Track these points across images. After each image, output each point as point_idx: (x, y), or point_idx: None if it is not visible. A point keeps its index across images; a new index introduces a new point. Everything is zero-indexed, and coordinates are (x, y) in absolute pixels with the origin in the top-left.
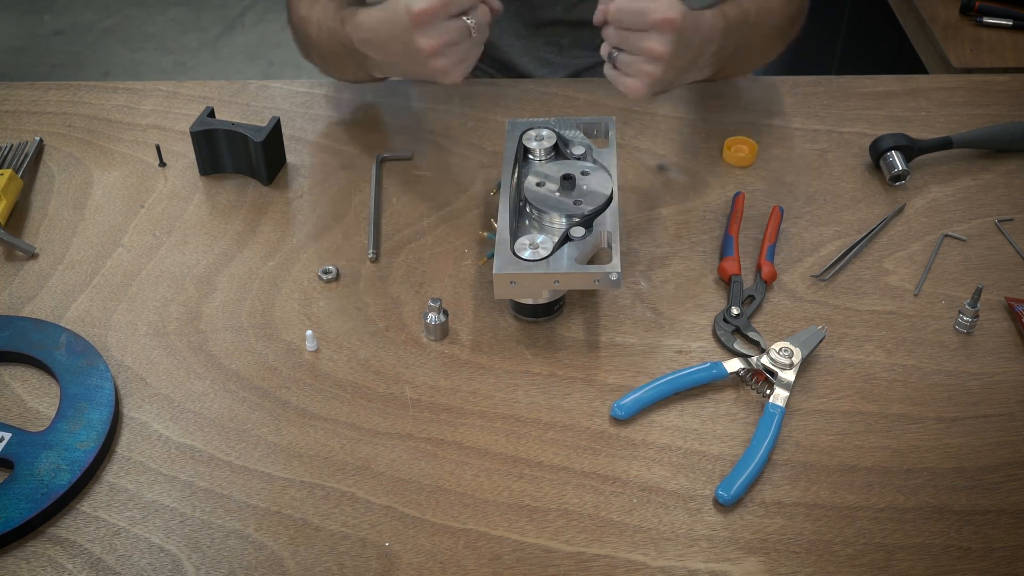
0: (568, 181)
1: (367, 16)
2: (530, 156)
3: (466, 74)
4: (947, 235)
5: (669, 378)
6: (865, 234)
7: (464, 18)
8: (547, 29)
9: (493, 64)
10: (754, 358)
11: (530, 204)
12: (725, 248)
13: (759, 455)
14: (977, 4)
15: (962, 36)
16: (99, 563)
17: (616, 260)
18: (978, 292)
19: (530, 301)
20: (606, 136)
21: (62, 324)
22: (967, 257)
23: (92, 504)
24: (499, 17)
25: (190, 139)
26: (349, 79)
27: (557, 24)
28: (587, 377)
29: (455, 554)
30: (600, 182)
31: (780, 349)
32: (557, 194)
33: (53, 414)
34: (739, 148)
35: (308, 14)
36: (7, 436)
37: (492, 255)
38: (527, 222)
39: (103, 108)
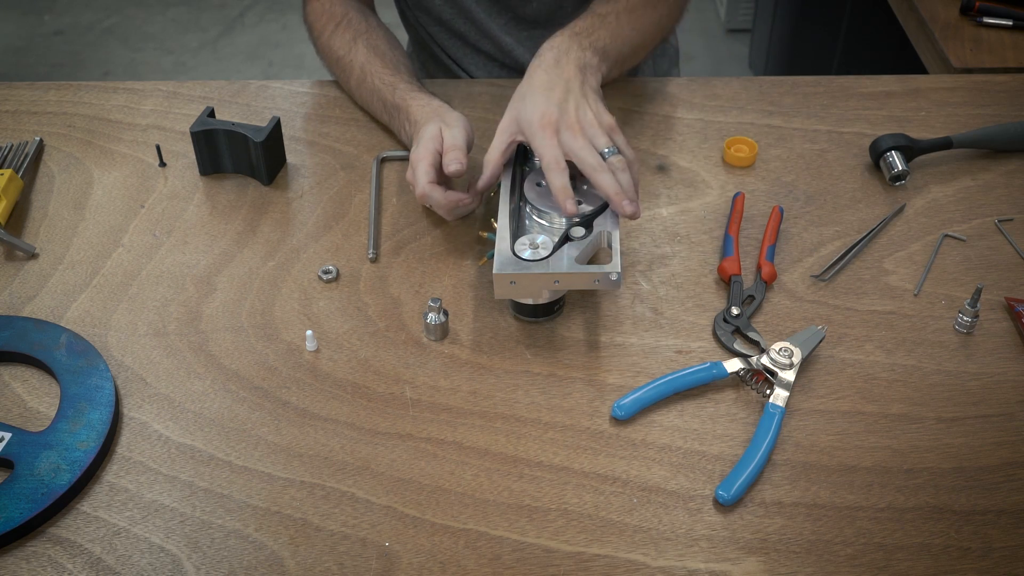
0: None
1: (415, 107)
2: (530, 156)
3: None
4: (947, 235)
5: (669, 378)
6: (865, 234)
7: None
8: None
9: (503, 68)
10: (754, 358)
11: (530, 204)
12: (725, 248)
13: (759, 455)
14: (977, 4)
15: (962, 36)
16: (99, 563)
17: (616, 260)
18: (978, 292)
19: (530, 301)
20: None
21: (62, 324)
22: (967, 257)
23: (92, 504)
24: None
25: (190, 139)
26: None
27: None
28: (587, 377)
29: (455, 554)
30: None
31: (780, 349)
32: None
33: (53, 414)
34: (739, 148)
35: (348, 57)
36: (7, 436)
37: (492, 255)
38: (527, 222)
39: (103, 108)
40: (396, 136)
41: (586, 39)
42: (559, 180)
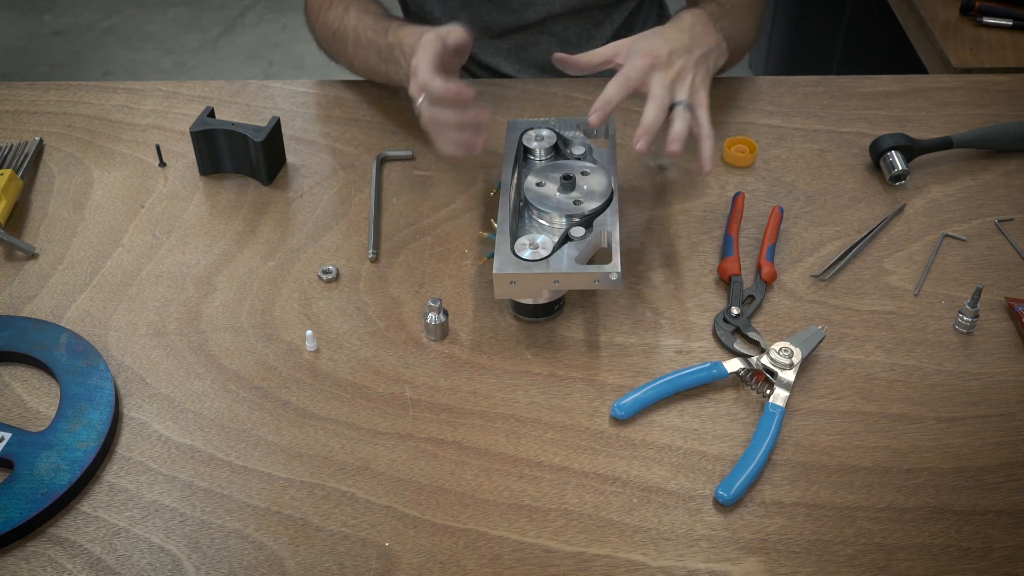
0: (568, 181)
1: (407, 35)
2: (530, 156)
3: (448, 146)
4: (947, 235)
5: (669, 378)
6: (865, 234)
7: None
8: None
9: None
10: (754, 358)
11: (530, 204)
12: (725, 248)
13: (759, 455)
14: (977, 4)
15: (962, 36)
16: (99, 563)
17: (616, 260)
18: (978, 292)
19: (530, 301)
20: (606, 136)
21: (62, 324)
22: (967, 257)
23: (92, 504)
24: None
25: (190, 139)
26: (379, 80)
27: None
28: (587, 377)
29: (455, 554)
30: (600, 182)
31: (780, 349)
32: (557, 194)
33: (53, 414)
34: (739, 148)
35: (342, 27)
36: (7, 436)
37: (492, 255)
38: (527, 222)
39: (103, 108)
40: (395, 80)
41: (717, 24)
42: (610, 91)
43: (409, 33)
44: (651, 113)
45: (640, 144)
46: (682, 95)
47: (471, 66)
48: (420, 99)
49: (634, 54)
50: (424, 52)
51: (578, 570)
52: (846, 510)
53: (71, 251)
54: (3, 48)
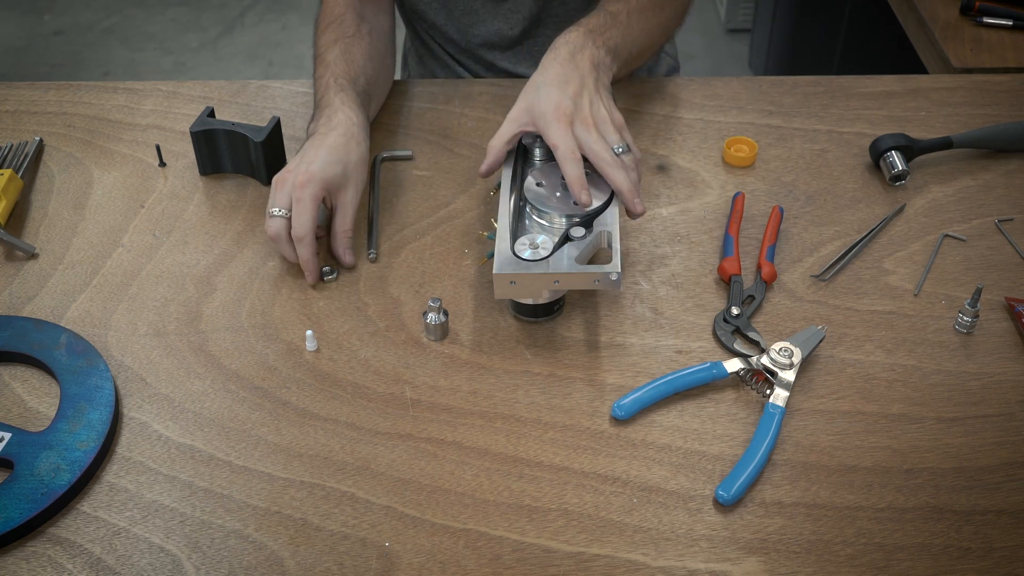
0: None
1: (314, 128)
2: (530, 156)
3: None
4: (947, 235)
5: (669, 378)
6: (865, 234)
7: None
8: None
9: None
10: (754, 358)
11: (530, 204)
12: (725, 248)
13: (759, 455)
14: (977, 4)
15: (962, 36)
16: (99, 563)
17: (616, 260)
18: (978, 292)
19: (530, 301)
20: None
21: (62, 324)
22: (967, 257)
23: (92, 504)
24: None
25: (190, 139)
26: None
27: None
28: (587, 377)
29: (455, 554)
30: (600, 182)
31: (780, 349)
32: (557, 194)
33: (53, 414)
34: (739, 148)
35: (322, 54)
36: (7, 436)
37: (492, 255)
38: (527, 222)
39: (103, 108)
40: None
41: (599, 37)
42: (575, 170)
43: (343, 115)
44: (619, 176)
45: (640, 207)
46: (613, 137)
47: (476, 67)
48: (278, 211)
49: (547, 121)
50: (314, 189)
51: (578, 570)
52: (846, 510)
53: (71, 251)
54: (3, 48)
